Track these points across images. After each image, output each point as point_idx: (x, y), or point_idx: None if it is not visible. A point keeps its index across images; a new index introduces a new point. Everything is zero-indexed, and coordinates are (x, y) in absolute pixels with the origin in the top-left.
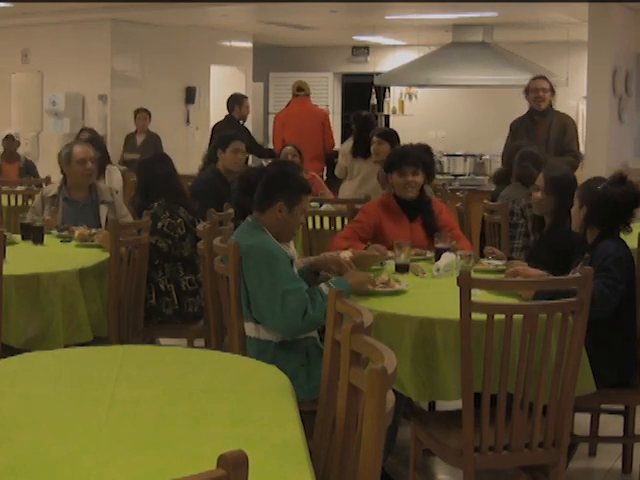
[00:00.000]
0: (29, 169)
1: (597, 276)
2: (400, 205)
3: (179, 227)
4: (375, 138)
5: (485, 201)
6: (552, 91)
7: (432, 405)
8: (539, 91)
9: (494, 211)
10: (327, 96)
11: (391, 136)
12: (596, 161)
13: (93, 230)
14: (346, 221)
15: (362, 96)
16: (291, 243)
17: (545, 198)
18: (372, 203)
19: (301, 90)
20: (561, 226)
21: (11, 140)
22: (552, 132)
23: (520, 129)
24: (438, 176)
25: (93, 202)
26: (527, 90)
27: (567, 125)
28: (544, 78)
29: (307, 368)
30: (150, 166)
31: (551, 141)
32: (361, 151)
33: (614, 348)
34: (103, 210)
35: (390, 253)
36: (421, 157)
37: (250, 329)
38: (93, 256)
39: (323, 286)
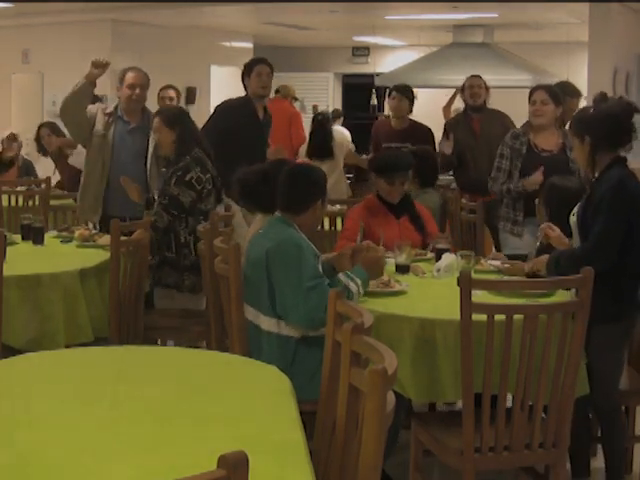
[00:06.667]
0: (28, 169)
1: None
2: (385, 205)
3: (207, 182)
4: (394, 93)
5: (463, 200)
6: (486, 88)
7: (432, 405)
8: (474, 87)
9: (473, 211)
10: (327, 97)
11: (409, 91)
12: None
13: (94, 231)
14: None
15: (362, 97)
16: None
17: (538, 208)
18: (356, 207)
19: (277, 92)
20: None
21: (12, 140)
22: (488, 127)
23: (458, 127)
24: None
25: (145, 127)
26: (463, 89)
27: (506, 122)
28: (479, 77)
29: None
30: (188, 116)
31: (487, 136)
32: (318, 152)
33: (616, 282)
34: (153, 136)
35: (389, 251)
36: (410, 162)
37: (271, 325)
38: (94, 257)
39: (341, 276)
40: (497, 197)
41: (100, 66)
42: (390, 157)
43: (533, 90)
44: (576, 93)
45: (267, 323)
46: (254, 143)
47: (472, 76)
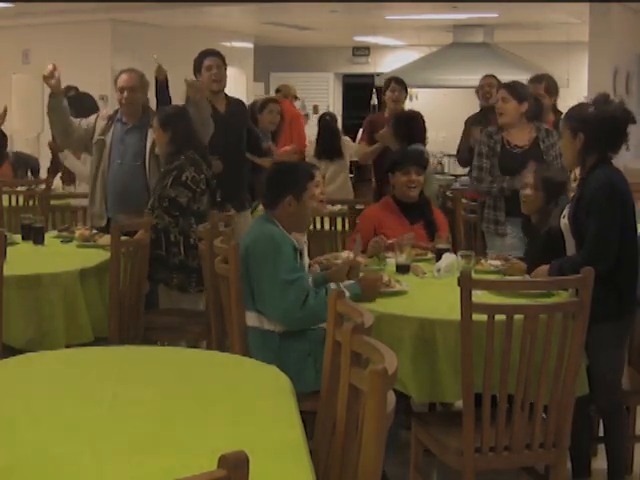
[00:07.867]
0: (20, 161)
1: (589, 222)
2: (400, 208)
3: (201, 182)
4: (395, 85)
5: (464, 200)
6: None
7: (432, 405)
8: (485, 87)
9: (473, 211)
10: (327, 97)
11: (405, 85)
12: None
13: (94, 231)
14: (347, 221)
15: (363, 97)
16: (305, 236)
17: (534, 195)
18: (371, 208)
19: (278, 91)
20: (551, 222)
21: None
22: None
23: (474, 125)
24: (439, 176)
25: (143, 125)
26: (477, 89)
27: None
28: (492, 76)
29: (315, 357)
30: (184, 117)
31: None
32: (326, 153)
33: (615, 281)
34: (151, 134)
35: (390, 254)
36: (425, 160)
37: (253, 319)
38: (94, 257)
39: (332, 285)
40: (482, 197)
41: (49, 77)
42: (403, 151)
43: (497, 89)
44: (541, 79)
45: (251, 319)
46: (221, 138)
47: (485, 76)
